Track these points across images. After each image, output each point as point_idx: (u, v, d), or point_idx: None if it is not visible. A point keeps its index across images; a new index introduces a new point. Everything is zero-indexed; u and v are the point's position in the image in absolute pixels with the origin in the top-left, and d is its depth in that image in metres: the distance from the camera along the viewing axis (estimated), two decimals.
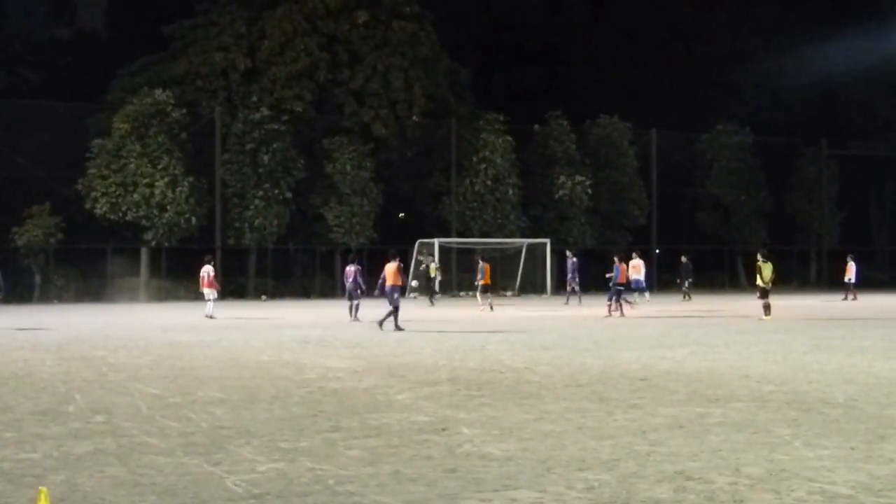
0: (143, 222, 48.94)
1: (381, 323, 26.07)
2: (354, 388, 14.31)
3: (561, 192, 56.73)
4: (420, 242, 51.64)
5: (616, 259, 33.57)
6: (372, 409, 12.27)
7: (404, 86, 53.97)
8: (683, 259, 46.69)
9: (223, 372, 16.49)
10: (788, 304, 38.63)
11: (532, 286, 53.40)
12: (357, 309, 30.41)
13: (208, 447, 9.73)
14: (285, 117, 51.74)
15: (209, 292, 33.77)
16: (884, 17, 65.22)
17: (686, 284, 45.72)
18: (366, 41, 54.17)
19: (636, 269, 41.40)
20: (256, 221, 50.62)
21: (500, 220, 55.44)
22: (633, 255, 42.30)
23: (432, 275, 46.97)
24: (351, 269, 30.94)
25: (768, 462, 8.89)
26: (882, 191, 73.51)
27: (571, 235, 56.79)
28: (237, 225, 51.08)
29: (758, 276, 30.74)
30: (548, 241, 53.41)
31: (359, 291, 30.78)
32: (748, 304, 36.93)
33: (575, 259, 42.44)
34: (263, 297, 49.93)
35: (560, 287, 51.58)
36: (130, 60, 54.89)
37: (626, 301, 37.26)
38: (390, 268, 26.71)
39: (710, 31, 70.87)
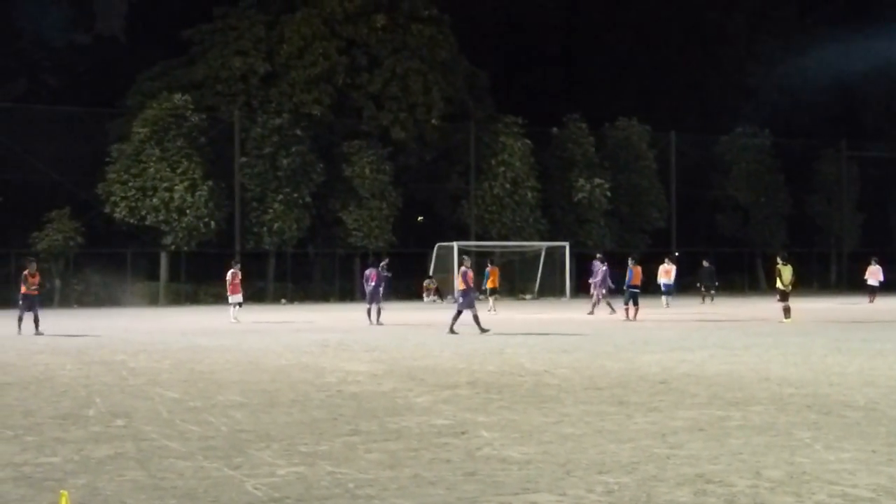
0: (163, 226, 49.12)
1: (479, 327, 25.63)
2: (374, 391, 14.32)
3: (580, 195, 56.67)
4: (439, 246, 51.68)
5: (630, 261, 33.16)
6: (391, 412, 12.28)
7: (423, 89, 54.00)
8: (705, 263, 46.40)
9: (243, 376, 16.52)
10: (808, 307, 38.50)
11: (551, 289, 53.32)
12: (379, 313, 30.28)
13: (228, 451, 9.75)
14: (304, 122, 51.87)
15: (234, 296, 33.29)
16: None
17: (712, 289, 45.34)
18: (384, 45, 54.23)
19: (668, 273, 41.29)
20: (276, 225, 50.72)
21: (518, 224, 55.43)
22: (666, 259, 42.04)
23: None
24: (372, 271, 30.74)
25: (789, 465, 8.87)
26: None
27: (590, 238, 56.72)
28: (256, 229, 51.20)
29: (777, 279, 30.67)
30: (566, 244, 53.36)
31: (380, 295, 30.64)
32: (768, 306, 36.80)
33: (605, 267, 41.95)
34: (283, 300, 50.06)
35: (582, 290, 51.63)
36: (149, 65, 55.10)
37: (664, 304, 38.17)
38: (461, 271, 26.63)
39: (728, 33, 70.71)
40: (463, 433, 10.68)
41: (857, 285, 62.04)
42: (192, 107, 50.24)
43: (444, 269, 51.54)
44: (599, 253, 43.21)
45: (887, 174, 69.81)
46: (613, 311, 34.62)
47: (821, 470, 8.66)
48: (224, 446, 10.01)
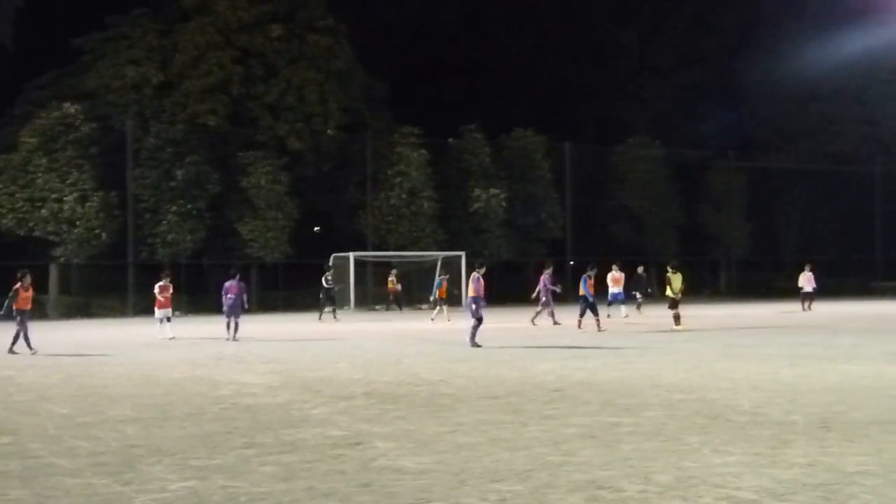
0: (52, 238, 48.12)
1: (472, 339, 24.34)
2: (269, 403, 14.25)
3: (476, 205, 56.92)
4: (335, 256, 51.50)
5: (589, 270, 32.31)
6: (287, 424, 12.22)
7: (319, 99, 53.82)
8: (639, 270, 45.57)
9: (135, 390, 16.30)
10: (699, 314, 39.17)
11: (449, 299, 53.36)
12: (237, 327, 29.06)
13: (118, 467, 9.62)
14: (199, 132, 51.33)
15: (161, 311, 30.86)
16: (789, 35, 66.73)
17: (639, 296, 44.30)
18: (280, 55, 53.94)
19: (617, 281, 39.90)
20: (169, 236, 50.06)
21: (415, 234, 55.49)
22: (614, 267, 40.03)
23: (398, 287, 48.74)
24: (233, 284, 29.83)
25: (677, 469, 9.04)
26: (788, 202, 74.97)
27: (487, 248, 57.03)
28: (150, 240, 50.48)
29: (668, 287, 31.15)
30: (462, 253, 53.57)
31: (241, 309, 29.67)
32: (661, 314, 37.32)
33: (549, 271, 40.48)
34: (177, 312, 49.34)
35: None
36: (39, 74, 54.06)
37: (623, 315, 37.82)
38: (472, 278, 25.43)
39: (622, 45, 71.92)
40: (358, 444, 10.69)
41: (746, 292, 63.50)
42: (82, 116, 49.33)
43: (341, 280, 51.35)
44: (547, 263, 41.59)
45: (774, 184, 71.57)
46: (543, 321, 34.53)
47: (707, 473, 8.85)
48: (114, 462, 9.87)
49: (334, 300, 42.57)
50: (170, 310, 31.24)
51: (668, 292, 31.03)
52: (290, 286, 54.11)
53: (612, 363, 19.44)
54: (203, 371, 19.28)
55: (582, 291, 31.17)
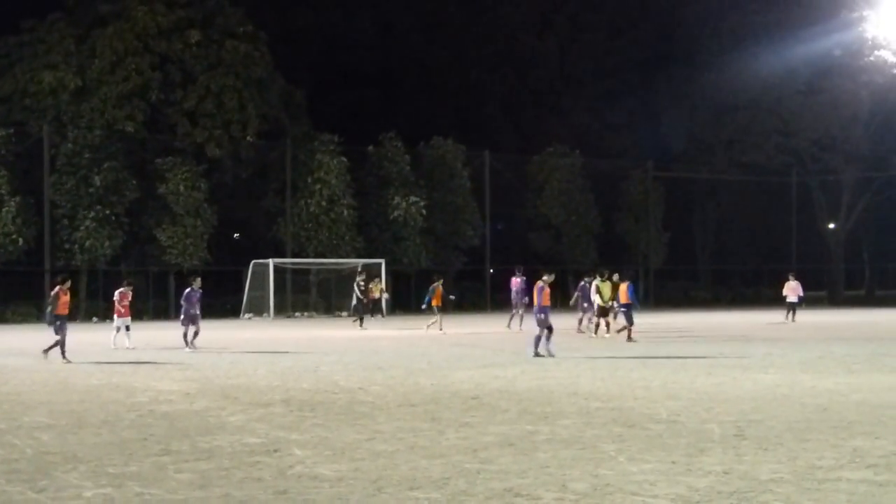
0: None
1: (536, 350, 23.54)
2: (186, 410, 14.16)
3: (395, 213, 56.88)
4: (255, 263, 51.20)
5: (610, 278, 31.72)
6: (204, 431, 12.16)
7: (238, 106, 53.44)
8: (584, 281, 42.94)
9: (51, 396, 16.09)
10: (616, 323, 39.43)
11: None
12: (188, 335, 28.41)
13: (33, 474, 9.50)
14: (117, 138, 50.70)
15: (121, 319, 29.01)
16: (706, 46, 67.74)
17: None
18: (199, 61, 53.46)
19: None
20: (87, 242, 49.42)
21: (335, 241, 55.29)
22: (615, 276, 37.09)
23: (377, 295, 46.94)
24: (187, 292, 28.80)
25: (594, 477, 9.15)
26: (705, 212, 76.13)
27: (406, 256, 57.02)
28: (67, 246, 49.79)
29: (598, 296, 31.47)
30: (382, 261, 53.55)
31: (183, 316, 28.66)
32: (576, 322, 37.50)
33: (524, 278, 39.15)
34: (94, 318, 48.76)
35: (398, 307, 51.90)
36: None
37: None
38: (537, 287, 24.42)
39: (540, 55, 72.42)
40: (275, 451, 10.67)
41: (663, 301, 64.28)
42: None
43: (261, 288, 51.06)
44: (518, 269, 40.11)
45: (690, 194, 72.54)
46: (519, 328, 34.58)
47: (623, 481, 8.97)
48: (28, 469, 9.75)
49: (367, 306, 41.01)
50: (129, 318, 29.99)
51: (598, 301, 31.42)
52: (209, 293, 53.56)
53: (530, 371, 19.59)
54: (119, 378, 19.07)
55: (626, 299, 30.22)
